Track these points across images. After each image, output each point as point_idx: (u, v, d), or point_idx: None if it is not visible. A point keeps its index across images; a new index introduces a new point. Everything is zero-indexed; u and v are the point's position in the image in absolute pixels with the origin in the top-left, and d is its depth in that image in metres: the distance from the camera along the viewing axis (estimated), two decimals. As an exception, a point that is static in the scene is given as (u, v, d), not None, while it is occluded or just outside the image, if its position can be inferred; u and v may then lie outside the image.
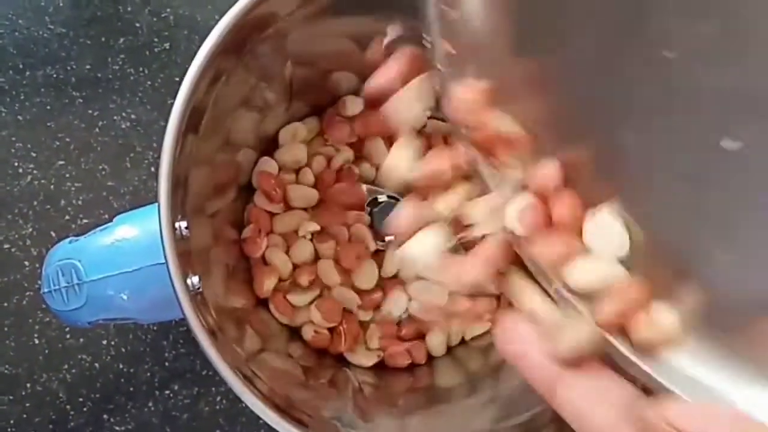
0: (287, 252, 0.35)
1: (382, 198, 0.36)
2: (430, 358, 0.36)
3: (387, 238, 0.35)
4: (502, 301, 0.36)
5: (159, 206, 0.23)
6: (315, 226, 0.35)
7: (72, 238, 0.28)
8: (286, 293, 0.34)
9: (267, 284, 0.34)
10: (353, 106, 0.37)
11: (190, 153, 0.27)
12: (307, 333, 0.35)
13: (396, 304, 0.35)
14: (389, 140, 0.38)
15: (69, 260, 0.26)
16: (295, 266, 0.35)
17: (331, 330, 0.35)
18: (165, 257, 0.23)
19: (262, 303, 0.35)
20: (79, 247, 0.27)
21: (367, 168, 0.37)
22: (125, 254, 0.26)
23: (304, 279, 0.34)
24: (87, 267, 0.26)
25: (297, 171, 0.36)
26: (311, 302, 0.34)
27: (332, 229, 0.35)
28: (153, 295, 0.25)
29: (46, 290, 0.27)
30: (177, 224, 0.25)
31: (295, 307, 0.34)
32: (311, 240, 0.35)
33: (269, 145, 0.36)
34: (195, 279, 0.25)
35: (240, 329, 0.30)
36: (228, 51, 0.27)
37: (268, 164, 0.36)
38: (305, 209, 0.36)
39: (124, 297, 0.26)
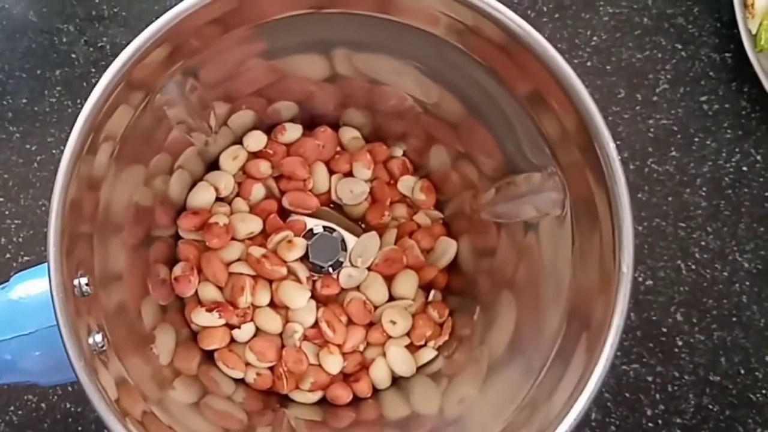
0: (221, 290, 0.34)
1: (318, 229, 0.34)
2: (376, 391, 0.35)
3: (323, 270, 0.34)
4: (444, 329, 0.35)
5: (48, 263, 0.22)
6: (248, 268, 0.34)
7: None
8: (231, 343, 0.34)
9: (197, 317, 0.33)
10: (291, 132, 0.36)
11: (100, 191, 0.26)
12: (250, 376, 0.34)
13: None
14: (329, 167, 0.37)
15: (-34, 323, 0.25)
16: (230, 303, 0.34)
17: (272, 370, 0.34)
18: (56, 319, 0.22)
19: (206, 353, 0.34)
20: (-25, 309, 0.26)
21: (305, 197, 0.36)
22: (21, 316, 0.25)
23: (236, 320, 0.33)
24: (-19, 330, 0.25)
25: (231, 201, 0.35)
26: (247, 342, 0.33)
27: (267, 264, 0.34)
28: (54, 358, 0.24)
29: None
30: (76, 280, 0.24)
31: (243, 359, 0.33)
32: (246, 275, 0.34)
33: (213, 169, 0.35)
34: (98, 337, 0.24)
35: (168, 385, 0.29)
36: (132, 85, 0.25)
37: (203, 191, 0.35)
38: (242, 240, 0.35)
39: (34, 357, 0.25)
